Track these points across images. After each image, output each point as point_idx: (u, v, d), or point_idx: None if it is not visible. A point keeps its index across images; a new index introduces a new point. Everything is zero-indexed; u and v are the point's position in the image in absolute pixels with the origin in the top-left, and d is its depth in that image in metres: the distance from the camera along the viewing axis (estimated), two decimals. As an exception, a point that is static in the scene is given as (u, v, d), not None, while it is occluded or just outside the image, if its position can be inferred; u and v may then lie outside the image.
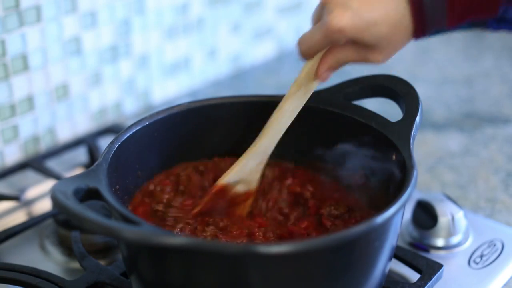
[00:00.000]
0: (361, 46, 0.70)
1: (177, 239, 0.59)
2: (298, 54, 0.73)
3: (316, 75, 0.74)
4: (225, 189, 0.78)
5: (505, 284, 0.82)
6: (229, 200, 0.78)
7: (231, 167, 0.78)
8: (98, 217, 0.60)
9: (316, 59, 0.73)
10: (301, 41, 0.72)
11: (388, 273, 0.75)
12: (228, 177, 0.78)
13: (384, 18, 0.68)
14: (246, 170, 0.78)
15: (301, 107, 0.77)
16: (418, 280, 0.77)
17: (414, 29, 0.70)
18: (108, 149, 0.73)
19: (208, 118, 0.84)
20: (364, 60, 0.72)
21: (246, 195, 0.79)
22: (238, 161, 0.78)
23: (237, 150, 0.86)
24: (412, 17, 0.69)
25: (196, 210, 0.77)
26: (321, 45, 0.70)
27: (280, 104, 0.76)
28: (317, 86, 0.76)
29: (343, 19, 0.67)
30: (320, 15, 0.72)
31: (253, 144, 0.78)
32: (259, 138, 0.77)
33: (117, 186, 0.74)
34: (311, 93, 0.76)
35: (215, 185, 0.78)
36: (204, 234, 0.74)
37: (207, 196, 0.78)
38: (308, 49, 0.72)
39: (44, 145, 1.10)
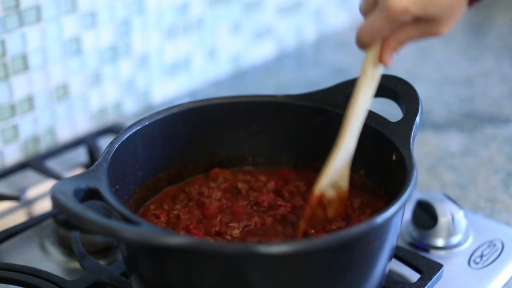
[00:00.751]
0: (423, 21, 0.69)
1: (177, 239, 0.59)
2: (358, 45, 0.71)
3: (381, 61, 0.72)
4: (322, 197, 0.76)
5: (505, 284, 0.82)
6: (325, 207, 0.76)
7: (321, 174, 0.75)
8: (98, 217, 0.60)
9: (378, 45, 0.71)
10: (362, 31, 0.70)
11: (388, 273, 0.75)
12: (321, 184, 0.75)
13: None
14: (335, 173, 0.76)
15: (372, 95, 0.74)
16: (418, 280, 0.77)
17: None
18: (108, 149, 0.73)
19: (208, 118, 0.84)
20: (428, 35, 0.70)
21: (339, 200, 0.76)
22: (325, 165, 0.75)
23: (236, 150, 0.87)
24: None
25: (302, 228, 0.74)
26: (385, 30, 0.69)
27: (353, 98, 0.74)
28: (382, 70, 0.74)
29: None
30: (371, 2, 0.70)
31: (335, 145, 0.75)
32: (340, 137, 0.75)
33: (117, 186, 0.74)
34: (378, 80, 0.74)
35: (313, 196, 0.75)
36: None
37: (307, 208, 0.75)
38: (371, 38, 0.70)
39: (44, 145, 1.10)
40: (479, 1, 0.70)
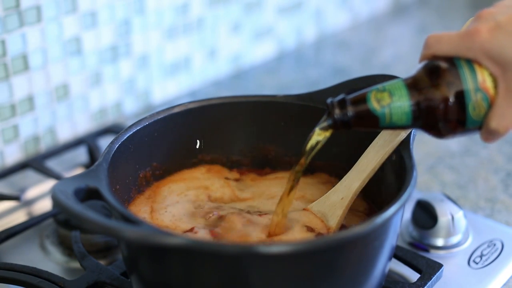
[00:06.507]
0: None
1: (177, 239, 0.59)
2: (425, 49, 0.69)
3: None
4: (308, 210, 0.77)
5: (505, 284, 0.82)
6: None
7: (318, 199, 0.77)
8: (98, 217, 0.60)
9: None
10: (436, 39, 0.68)
11: (388, 273, 0.75)
12: (310, 205, 0.77)
13: None
14: (327, 206, 0.76)
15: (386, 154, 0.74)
16: (418, 280, 0.77)
17: None
18: (108, 149, 0.73)
19: (208, 118, 0.84)
20: None
21: (321, 228, 0.75)
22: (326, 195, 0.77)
23: (236, 150, 0.87)
24: None
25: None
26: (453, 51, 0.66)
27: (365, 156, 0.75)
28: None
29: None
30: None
31: (341, 182, 0.76)
32: (347, 176, 0.76)
33: (117, 186, 0.74)
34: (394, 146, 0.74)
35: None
36: None
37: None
38: (438, 51, 0.68)
39: (44, 145, 1.10)
40: None
